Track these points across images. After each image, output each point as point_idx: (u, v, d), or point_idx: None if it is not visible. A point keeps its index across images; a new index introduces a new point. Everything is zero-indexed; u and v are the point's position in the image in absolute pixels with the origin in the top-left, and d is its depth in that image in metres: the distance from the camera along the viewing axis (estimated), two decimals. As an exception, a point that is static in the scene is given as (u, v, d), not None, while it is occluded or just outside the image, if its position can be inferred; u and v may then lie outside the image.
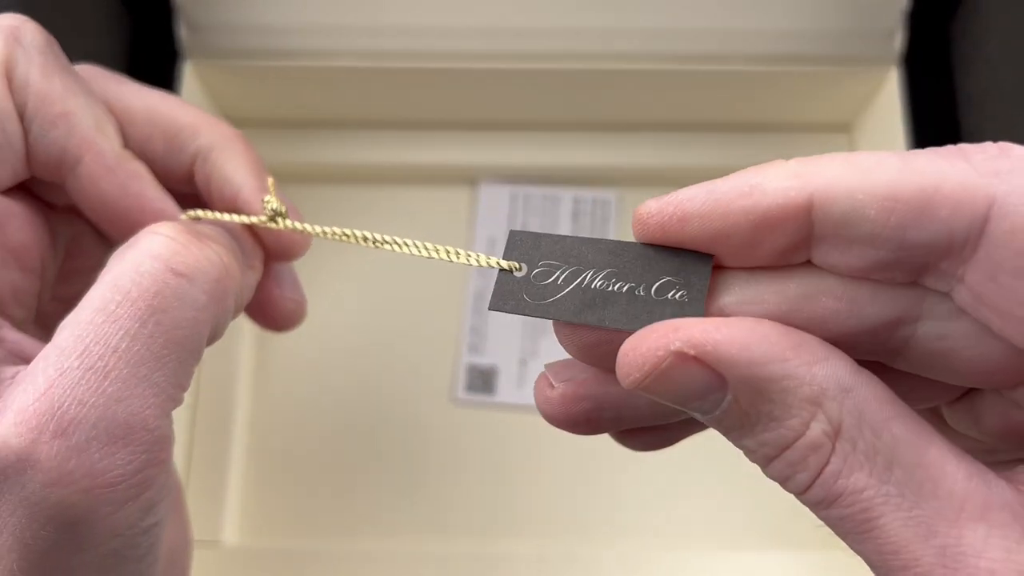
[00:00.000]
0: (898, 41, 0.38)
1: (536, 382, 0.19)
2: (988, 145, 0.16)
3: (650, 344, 0.16)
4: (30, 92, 0.21)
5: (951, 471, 0.15)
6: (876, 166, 0.15)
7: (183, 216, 0.23)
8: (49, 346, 0.18)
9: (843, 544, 0.38)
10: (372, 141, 0.42)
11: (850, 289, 0.16)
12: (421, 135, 0.42)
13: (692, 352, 0.15)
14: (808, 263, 0.17)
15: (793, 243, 0.16)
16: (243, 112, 0.42)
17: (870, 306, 0.16)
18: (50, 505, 0.17)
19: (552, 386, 0.18)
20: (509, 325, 0.40)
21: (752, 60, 0.38)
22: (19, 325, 0.22)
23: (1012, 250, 0.14)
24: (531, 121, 0.42)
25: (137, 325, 0.18)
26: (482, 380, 0.40)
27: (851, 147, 0.42)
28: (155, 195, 0.23)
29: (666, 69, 0.38)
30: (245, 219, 0.23)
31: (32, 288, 0.23)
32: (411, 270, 0.41)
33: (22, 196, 0.23)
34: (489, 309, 0.19)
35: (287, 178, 0.43)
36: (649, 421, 0.19)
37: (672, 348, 0.15)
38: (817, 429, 0.15)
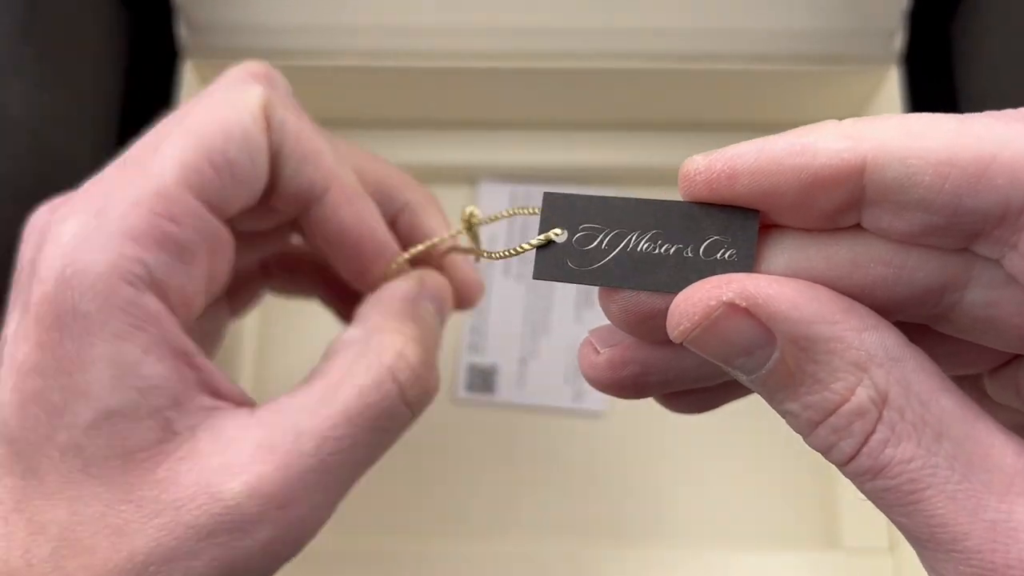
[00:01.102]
0: (899, 41, 0.38)
1: (580, 348, 0.19)
2: None
3: (702, 294, 0.16)
4: (287, 132, 0.23)
5: (1000, 446, 0.15)
6: (931, 130, 0.15)
7: (401, 258, 0.26)
8: (288, 425, 0.21)
9: (844, 544, 0.38)
10: (372, 141, 0.42)
11: (899, 255, 0.16)
12: (421, 134, 0.42)
13: (743, 304, 0.15)
14: (857, 227, 0.16)
15: (844, 205, 0.16)
16: (243, 112, 0.42)
17: (918, 272, 0.16)
18: (252, 558, 0.20)
19: (597, 351, 0.18)
20: (509, 324, 0.41)
21: (753, 59, 0.38)
22: None
23: None
24: (531, 120, 0.42)
25: (364, 443, 0.21)
26: (482, 379, 0.40)
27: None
28: (383, 229, 0.26)
29: (667, 68, 0.39)
30: (448, 239, 0.26)
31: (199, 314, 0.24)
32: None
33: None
34: (534, 278, 0.18)
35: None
36: (695, 384, 0.19)
37: (724, 299, 0.15)
38: (863, 395, 0.15)
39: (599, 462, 0.38)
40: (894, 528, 0.36)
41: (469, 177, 0.42)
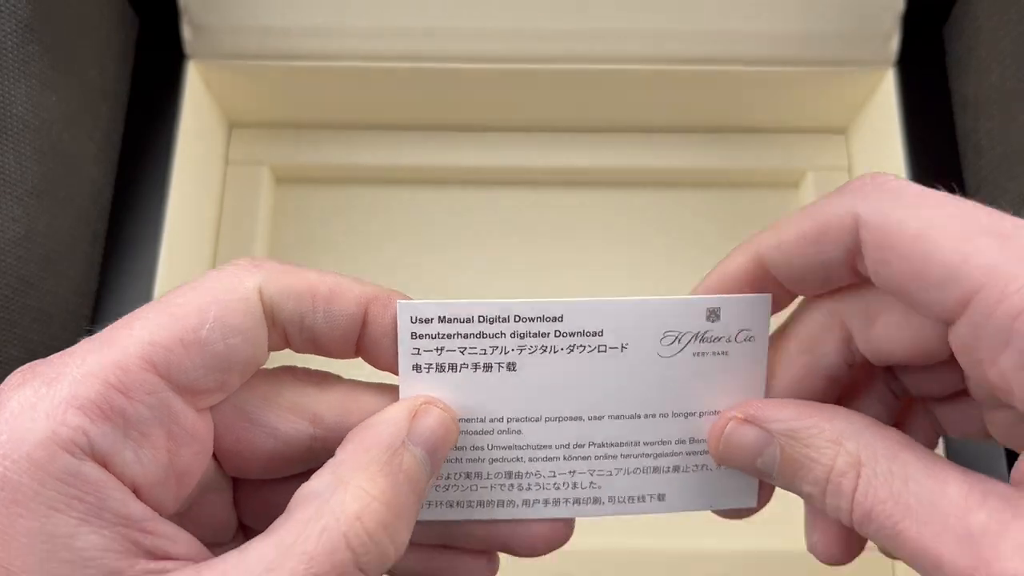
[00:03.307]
0: (894, 44, 0.39)
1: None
2: (865, 176, 0.21)
3: (720, 420, 0.23)
4: (295, 297, 0.22)
5: (953, 476, 0.19)
6: (787, 221, 0.22)
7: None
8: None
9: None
10: (373, 142, 0.42)
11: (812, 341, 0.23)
12: (422, 136, 0.42)
13: (743, 416, 0.23)
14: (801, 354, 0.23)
15: (772, 291, 0.23)
16: (245, 113, 0.42)
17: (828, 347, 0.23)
18: None
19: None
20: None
21: (750, 62, 0.39)
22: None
23: (870, 244, 0.20)
24: (532, 123, 0.42)
25: None
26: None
27: (848, 148, 0.43)
28: None
29: (665, 71, 0.39)
30: None
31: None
32: (412, 272, 0.42)
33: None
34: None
35: (288, 179, 0.43)
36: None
37: (730, 416, 0.23)
38: (842, 461, 0.21)
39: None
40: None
41: (470, 179, 0.43)
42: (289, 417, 0.23)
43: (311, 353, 0.23)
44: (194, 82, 0.39)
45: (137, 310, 0.21)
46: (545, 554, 0.25)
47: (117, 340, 0.21)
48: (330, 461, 0.21)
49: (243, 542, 0.23)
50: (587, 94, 0.40)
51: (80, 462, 0.19)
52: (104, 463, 0.20)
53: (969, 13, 0.38)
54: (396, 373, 0.24)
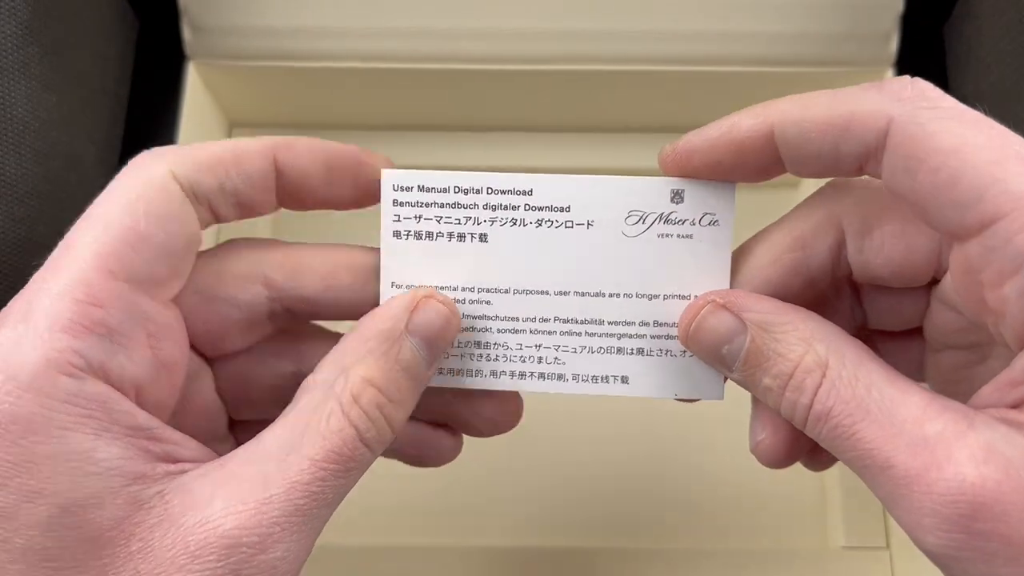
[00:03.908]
0: (893, 44, 0.39)
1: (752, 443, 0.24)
2: (904, 79, 0.21)
3: (697, 302, 0.23)
4: (208, 170, 0.23)
5: (914, 390, 0.20)
6: (815, 101, 0.21)
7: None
8: (257, 475, 0.21)
9: (841, 542, 0.38)
10: (374, 143, 0.42)
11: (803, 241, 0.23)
12: (422, 136, 0.42)
13: (722, 302, 0.22)
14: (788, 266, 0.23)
15: (767, 162, 0.22)
16: (246, 114, 0.42)
17: (820, 246, 0.23)
18: None
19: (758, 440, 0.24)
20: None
21: (749, 62, 0.39)
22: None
23: (899, 151, 0.20)
24: (532, 123, 0.42)
25: (332, 484, 0.21)
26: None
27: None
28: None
29: (664, 71, 0.39)
30: None
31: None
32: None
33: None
34: None
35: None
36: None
37: (709, 299, 0.23)
38: (810, 359, 0.21)
39: (597, 459, 0.39)
40: (891, 527, 0.36)
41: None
42: (243, 284, 0.25)
43: (239, 218, 0.25)
44: (194, 83, 0.39)
45: (67, 235, 0.22)
46: (491, 435, 0.27)
47: (68, 263, 0.21)
48: (334, 349, 0.23)
49: (234, 437, 0.26)
50: (587, 95, 0.40)
51: (81, 381, 0.20)
52: (102, 374, 0.21)
53: (969, 13, 0.38)
54: (325, 208, 0.25)
